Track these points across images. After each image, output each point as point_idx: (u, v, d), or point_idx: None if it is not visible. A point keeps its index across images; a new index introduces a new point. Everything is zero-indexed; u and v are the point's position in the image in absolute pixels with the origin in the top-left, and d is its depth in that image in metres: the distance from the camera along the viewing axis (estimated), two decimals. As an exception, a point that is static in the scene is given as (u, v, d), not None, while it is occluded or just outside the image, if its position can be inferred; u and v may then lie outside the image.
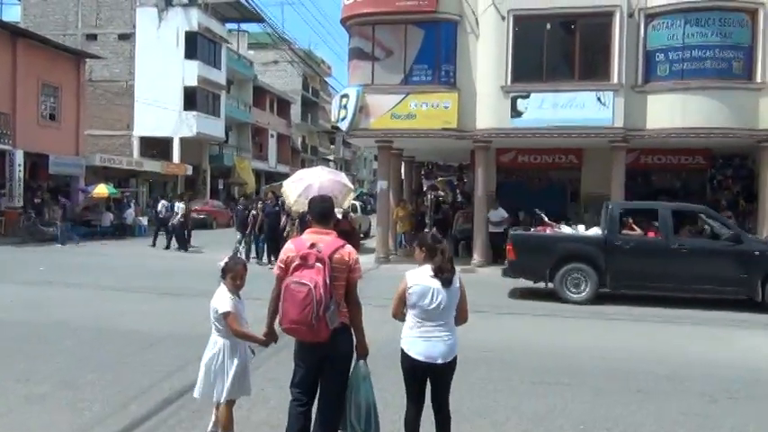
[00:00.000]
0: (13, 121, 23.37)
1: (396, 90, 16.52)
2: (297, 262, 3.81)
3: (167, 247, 19.64)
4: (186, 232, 19.93)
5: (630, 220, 11.81)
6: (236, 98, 42.63)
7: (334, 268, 3.81)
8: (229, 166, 41.27)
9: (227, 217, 31.64)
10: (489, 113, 16.17)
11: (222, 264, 4.51)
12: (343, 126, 17.20)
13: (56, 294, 11.11)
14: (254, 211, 16.82)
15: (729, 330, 9.52)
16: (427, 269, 4.03)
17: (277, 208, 16.47)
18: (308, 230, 4.06)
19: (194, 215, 23.52)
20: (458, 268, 4.27)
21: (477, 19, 16.31)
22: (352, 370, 4.02)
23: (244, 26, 46.02)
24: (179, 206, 20.02)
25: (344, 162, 71.03)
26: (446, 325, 4.03)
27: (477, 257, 16.49)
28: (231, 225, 17.97)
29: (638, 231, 11.69)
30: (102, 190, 25.63)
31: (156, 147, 35.18)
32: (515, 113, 15.93)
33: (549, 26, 16.28)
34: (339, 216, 13.44)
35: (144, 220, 26.92)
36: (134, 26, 34.93)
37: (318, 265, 3.76)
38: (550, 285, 11.61)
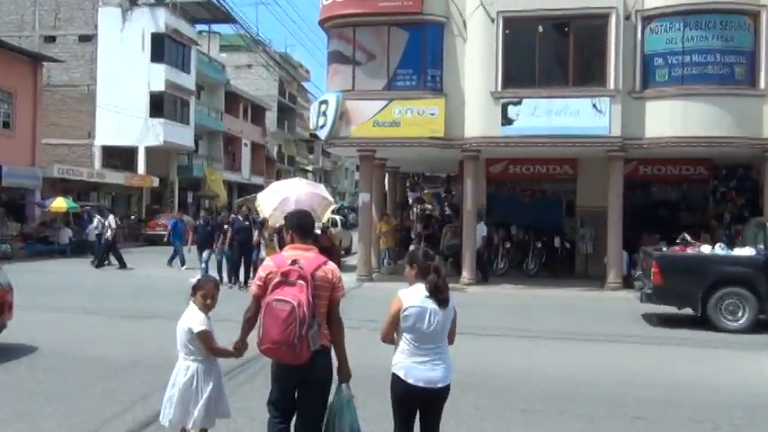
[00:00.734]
0: (-37, 129, 23.14)
1: (378, 96, 16.51)
2: (277, 279, 3.82)
3: (98, 266, 19.67)
4: (111, 247, 20.00)
5: None
6: (207, 104, 42.51)
7: (316, 286, 3.83)
8: (199, 177, 41.04)
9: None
10: (478, 121, 16.21)
11: (194, 281, 4.53)
12: (323, 134, 17.16)
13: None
14: (225, 225, 16.53)
15: None
16: (421, 288, 3.98)
17: (247, 223, 16.20)
18: (287, 246, 4.09)
19: (162, 231, 23.28)
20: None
21: (464, 21, 16.37)
22: (334, 394, 4.03)
23: (215, 27, 46.18)
24: (110, 220, 20.03)
25: (324, 173, 71.05)
26: (443, 347, 4.02)
27: (466, 275, 16.42)
28: (194, 242, 17.71)
29: None
30: (60, 204, 25.28)
31: (120, 157, 34.89)
32: (506, 121, 15.96)
33: (541, 29, 16.42)
34: (318, 231, 13.33)
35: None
36: (96, 27, 34.73)
37: (301, 282, 3.78)
38: (698, 312, 11.00)
